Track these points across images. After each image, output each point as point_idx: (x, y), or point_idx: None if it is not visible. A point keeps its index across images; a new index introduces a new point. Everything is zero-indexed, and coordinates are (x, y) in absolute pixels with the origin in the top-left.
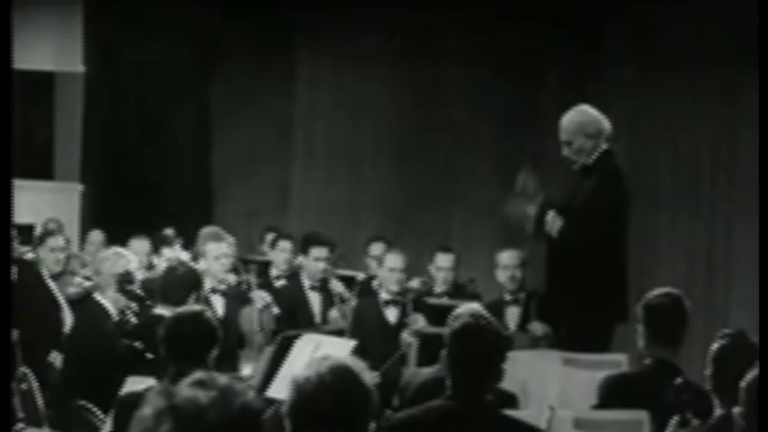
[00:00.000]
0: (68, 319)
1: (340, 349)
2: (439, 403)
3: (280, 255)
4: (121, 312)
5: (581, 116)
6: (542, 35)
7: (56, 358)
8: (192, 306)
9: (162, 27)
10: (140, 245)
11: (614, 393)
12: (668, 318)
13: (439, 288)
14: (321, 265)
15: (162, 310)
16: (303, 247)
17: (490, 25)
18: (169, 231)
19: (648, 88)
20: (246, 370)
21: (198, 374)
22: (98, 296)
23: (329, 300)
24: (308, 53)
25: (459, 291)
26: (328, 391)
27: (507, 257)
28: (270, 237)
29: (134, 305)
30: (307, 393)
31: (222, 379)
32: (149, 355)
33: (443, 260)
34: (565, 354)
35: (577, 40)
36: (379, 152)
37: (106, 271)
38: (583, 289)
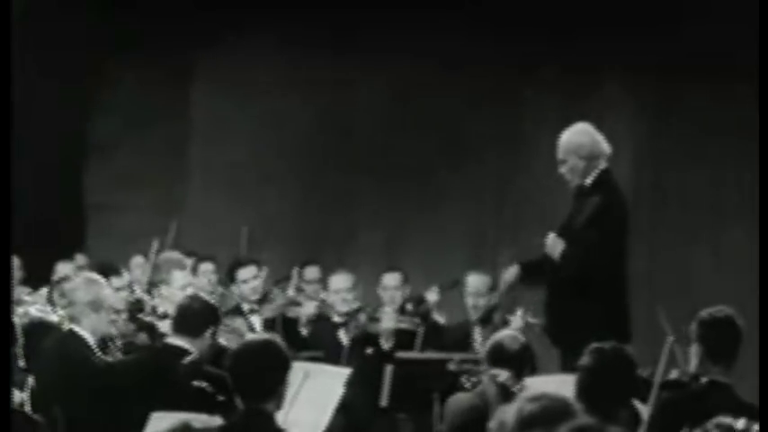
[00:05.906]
0: None
1: (331, 378)
2: None
3: (202, 278)
4: (102, 342)
5: (576, 136)
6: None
7: None
8: (261, 334)
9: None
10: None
11: (672, 409)
12: (724, 335)
13: (388, 308)
14: (255, 283)
15: (176, 341)
16: (229, 274)
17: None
18: (81, 258)
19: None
20: None
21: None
22: (75, 328)
23: (270, 323)
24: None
25: (406, 310)
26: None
27: (475, 282)
28: (189, 261)
29: (117, 338)
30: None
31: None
32: (221, 398)
33: (390, 279)
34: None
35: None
36: (281, 177)
37: (80, 300)
38: (586, 310)
